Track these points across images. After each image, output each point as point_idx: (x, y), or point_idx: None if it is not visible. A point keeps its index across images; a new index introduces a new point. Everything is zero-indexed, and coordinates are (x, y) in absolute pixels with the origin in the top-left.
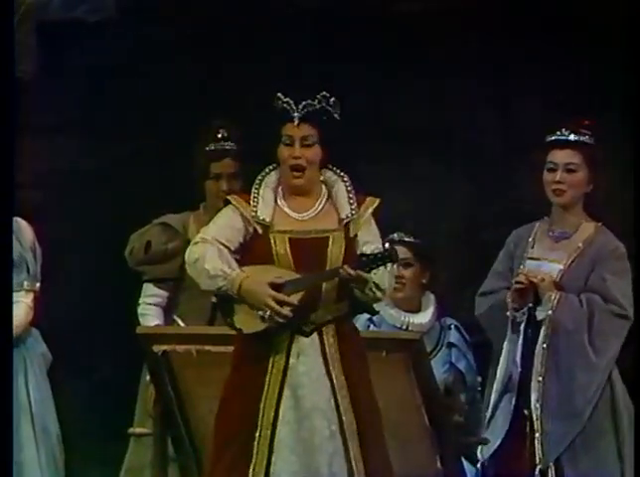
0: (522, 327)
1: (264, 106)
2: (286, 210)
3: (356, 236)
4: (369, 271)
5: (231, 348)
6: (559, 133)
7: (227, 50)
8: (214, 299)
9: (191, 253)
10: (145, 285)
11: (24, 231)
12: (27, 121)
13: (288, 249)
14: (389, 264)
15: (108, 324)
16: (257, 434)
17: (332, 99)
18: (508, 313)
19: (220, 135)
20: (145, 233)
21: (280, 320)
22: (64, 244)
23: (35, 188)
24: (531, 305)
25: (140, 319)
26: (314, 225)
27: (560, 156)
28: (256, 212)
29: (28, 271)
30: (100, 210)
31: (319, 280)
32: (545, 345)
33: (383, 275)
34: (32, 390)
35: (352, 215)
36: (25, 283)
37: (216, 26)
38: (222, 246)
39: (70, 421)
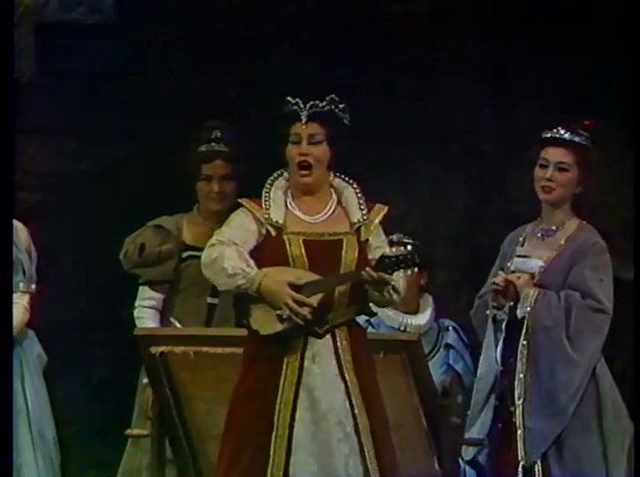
0: (504, 326)
1: (264, 107)
2: (297, 213)
3: (367, 240)
4: (391, 273)
5: (228, 349)
6: (555, 131)
7: (225, 51)
8: (209, 300)
9: (208, 255)
10: (141, 288)
11: (19, 232)
12: (24, 123)
13: (303, 251)
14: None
15: (106, 325)
16: (274, 435)
17: (342, 105)
18: (488, 312)
19: (213, 136)
20: (139, 235)
21: (298, 321)
22: (61, 246)
23: (31, 189)
24: (512, 304)
25: (136, 322)
26: (326, 228)
27: (552, 154)
28: (269, 214)
29: (24, 273)
30: (98, 211)
31: (339, 283)
32: (525, 342)
33: (399, 278)
34: (29, 392)
35: (363, 220)
36: (21, 285)
37: (214, 27)
38: (240, 248)
39: (66, 424)
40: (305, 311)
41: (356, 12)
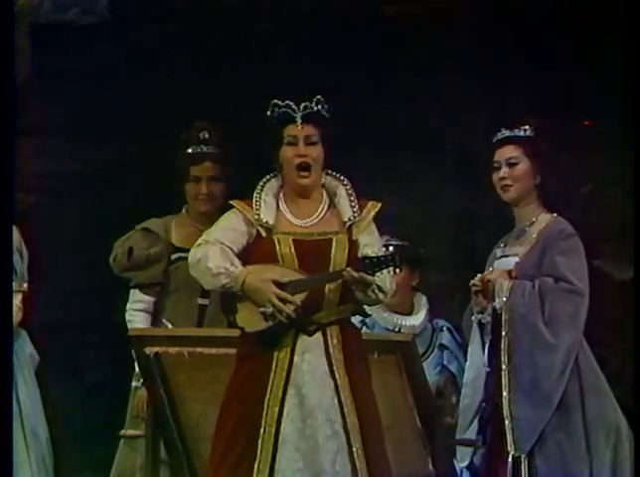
0: (489, 328)
1: (264, 107)
2: (288, 216)
3: (357, 238)
4: (372, 274)
5: (222, 350)
6: (499, 134)
7: (222, 51)
8: (200, 301)
9: (193, 255)
10: (132, 291)
11: None
12: (19, 124)
13: (292, 250)
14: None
15: (101, 326)
16: (262, 431)
17: (326, 106)
18: (472, 317)
19: (201, 137)
20: (127, 239)
21: (282, 318)
22: (58, 246)
23: (26, 190)
24: (494, 303)
25: (128, 325)
26: (317, 229)
27: (501, 153)
28: (259, 215)
29: (15, 272)
30: (96, 212)
31: (322, 282)
32: (504, 333)
33: (385, 278)
34: (21, 392)
35: (354, 218)
36: (13, 284)
37: (214, 27)
38: (224, 247)
39: (60, 424)
40: (289, 309)
41: (355, 12)
